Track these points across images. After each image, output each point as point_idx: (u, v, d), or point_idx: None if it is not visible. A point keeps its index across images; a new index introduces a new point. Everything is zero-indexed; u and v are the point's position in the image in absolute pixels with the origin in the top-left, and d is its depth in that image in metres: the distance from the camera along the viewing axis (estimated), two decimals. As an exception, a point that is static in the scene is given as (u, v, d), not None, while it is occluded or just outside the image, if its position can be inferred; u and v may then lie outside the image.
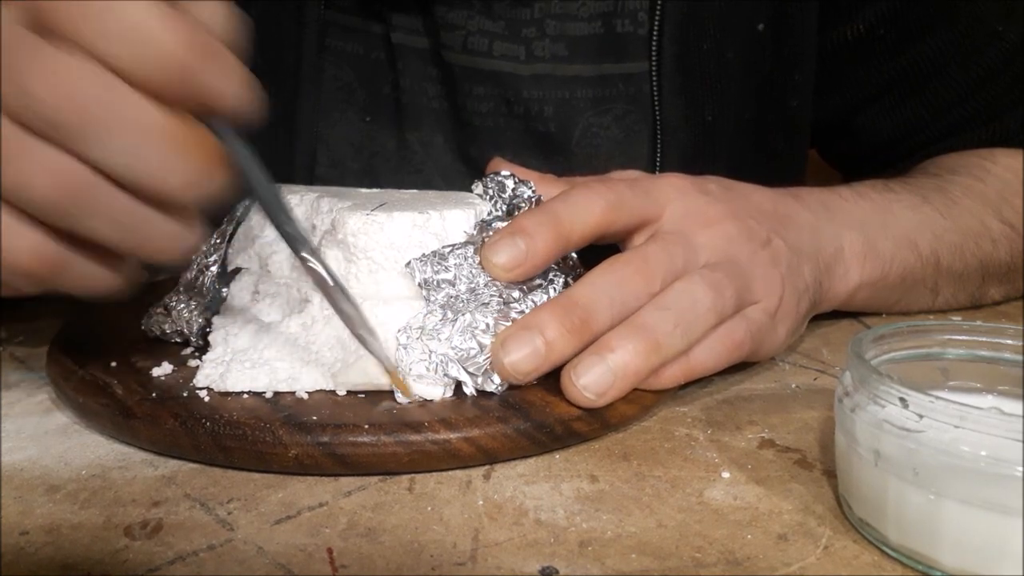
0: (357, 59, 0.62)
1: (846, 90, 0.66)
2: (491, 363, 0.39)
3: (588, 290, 0.40)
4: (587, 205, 0.42)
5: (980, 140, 0.63)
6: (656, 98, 0.60)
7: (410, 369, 0.39)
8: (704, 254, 0.43)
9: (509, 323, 0.40)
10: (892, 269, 0.53)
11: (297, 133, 0.61)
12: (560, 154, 0.61)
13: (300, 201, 0.46)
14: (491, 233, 0.42)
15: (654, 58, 0.60)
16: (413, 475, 0.36)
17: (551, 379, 0.40)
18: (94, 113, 0.29)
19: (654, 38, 0.59)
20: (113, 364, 0.42)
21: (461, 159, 0.63)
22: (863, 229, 0.52)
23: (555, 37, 0.60)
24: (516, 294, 0.41)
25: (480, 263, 0.41)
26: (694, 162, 0.61)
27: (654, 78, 0.60)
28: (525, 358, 0.39)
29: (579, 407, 0.38)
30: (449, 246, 0.41)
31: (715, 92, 0.61)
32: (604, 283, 0.41)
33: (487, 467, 0.37)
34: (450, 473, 0.36)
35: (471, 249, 0.41)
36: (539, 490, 0.35)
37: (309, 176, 0.63)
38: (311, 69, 0.61)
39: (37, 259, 0.32)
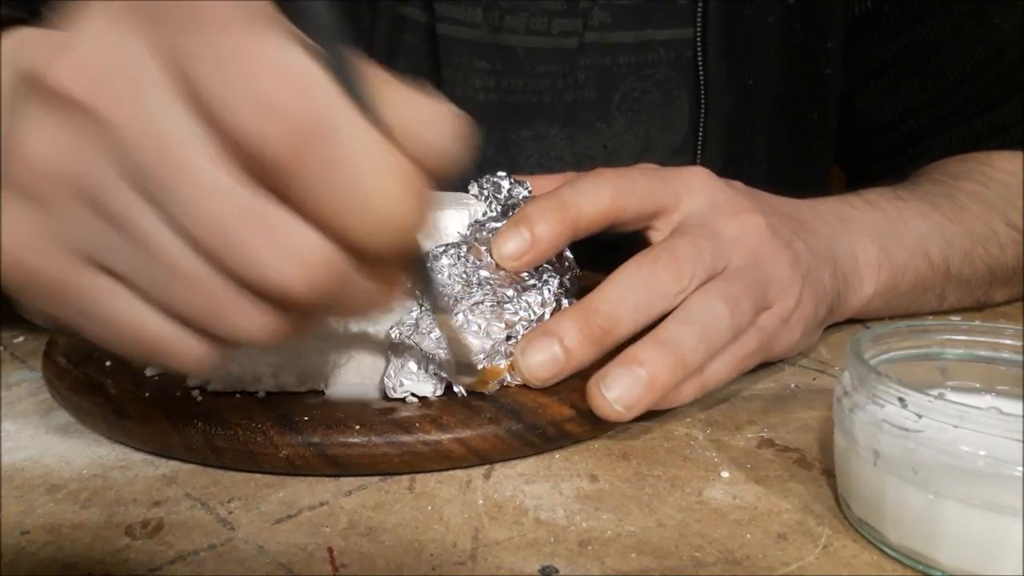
0: (404, 52, 0.63)
1: (850, 68, 0.67)
2: (513, 365, 0.39)
3: (612, 292, 0.39)
4: (595, 190, 0.41)
5: (976, 132, 0.64)
6: (700, 63, 0.62)
7: (401, 366, 0.39)
8: (732, 249, 0.42)
9: (502, 324, 0.40)
10: (904, 278, 0.53)
11: None
12: (602, 120, 0.63)
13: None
14: (484, 233, 0.42)
15: (699, 23, 0.61)
16: (413, 475, 0.36)
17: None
18: (326, 291, 0.25)
19: (699, 4, 0.61)
20: (108, 363, 0.42)
21: (501, 150, 0.64)
22: (876, 238, 0.52)
23: (603, 5, 0.61)
24: (510, 293, 0.41)
25: (476, 261, 0.41)
26: (736, 126, 0.63)
27: (699, 43, 0.62)
28: (543, 364, 0.38)
29: (602, 414, 0.37)
30: (443, 246, 0.41)
31: (756, 57, 0.63)
32: (630, 283, 0.40)
33: (487, 467, 0.37)
34: (450, 473, 0.36)
35: (465, 248, 0.41)
36: (539, 489, 0.35)
37: None
38: (380, 60, 0.62)
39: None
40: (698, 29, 0.62)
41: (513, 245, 0.40)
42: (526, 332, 0.40)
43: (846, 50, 0.66)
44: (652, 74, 0.63)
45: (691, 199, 0.44)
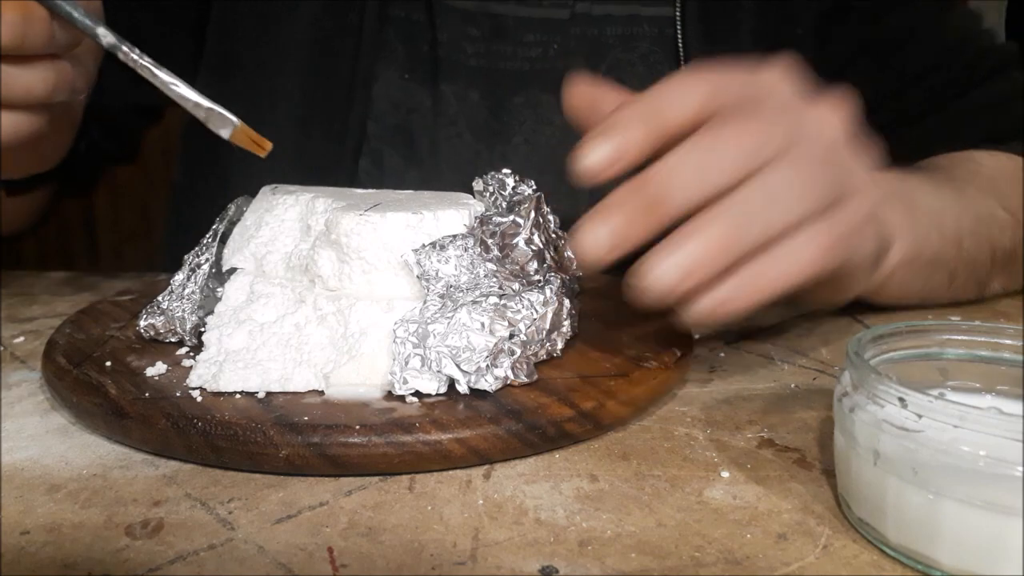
0: (399, 21, 0.66)
1: (825, 58, 0.69)
2: (570, 249, 0.38)
3: (669, 161, 0.35)
4: (685, 90, 0.37)
5: (937, 126, 0.66)
6: (681, 41, 0.65)
7: (407, 363, 0.39)
8: (810, 133, 0.38)
9: (505, 322, 0.40)
10: (925, 248, 0.52)
11: (355, 93, 0.66)
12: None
13: (296, 201, 0.47)
14: (491, 227, 0.42)
15: (679, 4, 0.65)
16: (413, 475, 0.36)
17: (543, 380, 0.40)
18: None
19: None
20: (108, 364, 0.42)
21: (494, 116, 0.66)
22: (899, 201, 0.51)
23: None
24: (516, 287, 0.41)
25: (483, 254, 0.41)
26: None
27: (679, 23, 0.65)
28: (596, 241, 0.35)
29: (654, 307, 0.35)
30: (450, 236, 0.41)
31: (732, 40, 0.66)
32: (690, 153, 0.35)
33: (487, 467, 0.37)
34: (450, 472, 0.36)
35: (471, 240, 0.41)
36: (539, 489, 0.35)
37: (361, 133, 0.66)
38: (372, 33, 0.65)
39: None
40: (678, 9, 0.65)
41: (601, 153, 0.36)
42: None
43: (822, 40, 0.69)
44: (637, 47, 0.66)
45: (781, 87, 0.40)
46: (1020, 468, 0.27)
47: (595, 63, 0.66)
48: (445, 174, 0.67)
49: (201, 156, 0.75)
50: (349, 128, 0.66)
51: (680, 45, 0.65)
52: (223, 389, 0.39)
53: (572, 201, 0.65)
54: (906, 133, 0.65)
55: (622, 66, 0.66)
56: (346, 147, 0.66)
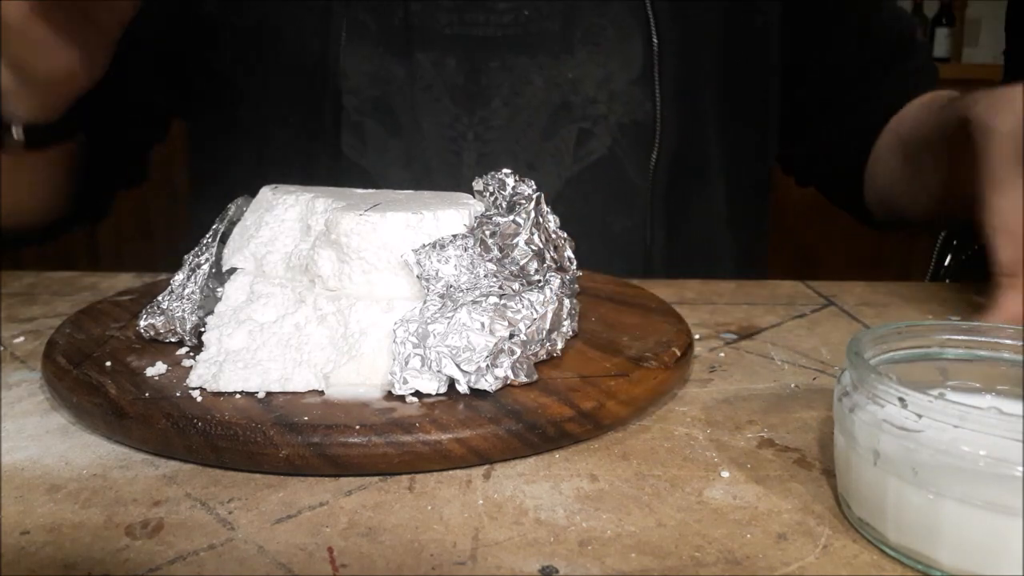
0: None
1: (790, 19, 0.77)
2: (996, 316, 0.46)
3: None
4: None
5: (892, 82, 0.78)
6: (650, 5, 0.69)
7: (407, 363, 0.39)
8: None
9: (505, 322, 0.40)
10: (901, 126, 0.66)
11: (328, 70, 0.68)
12: (566, 52, 0.69)
13: (296, 201, 0.47)
14: (491, 227, 0.42)
15: None
16: (413, 475, 0.36)
17: (543, 380, 0.40)
18: None
19: None
20: (108, 364, 0.42)
21: (471, 80, 0.69)
22: None
23: None
24: (516, 286, 0.41)
25: (483, 254, 0.41)
26: (688, 60, 0.71)
27: None
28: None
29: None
30: (450, 236, 0.41)
31: (700, 5, 0.71)
32: None
33: (487, 467, 0.37)
34: (450, 472, 0.36)
35: (471, 240, 0.41)
36: (539, 489, 0.35)
37: (338, 107, 0.68)
38: (341, 8, 0.68)
39: None
40: None
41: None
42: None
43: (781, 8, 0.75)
44: (608, 11, 0.69)
45: None
46: (1020, 468, 0.27)
47: (569, 28, 0.68)
48: (427, 140, 0.69)
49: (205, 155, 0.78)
50: (326, 104, 0.68)
51: (650, 10, 0.69)
52: (223, 389, 0.39)
53: (555, 159, 0.68)
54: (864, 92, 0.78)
55: (595, 30, 0.69)
56: (325, 123, 0.68)
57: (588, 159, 0.69)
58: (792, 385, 0.46)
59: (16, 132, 0.60)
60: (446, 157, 0.69)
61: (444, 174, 0.68)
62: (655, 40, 0.69)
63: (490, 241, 0.42)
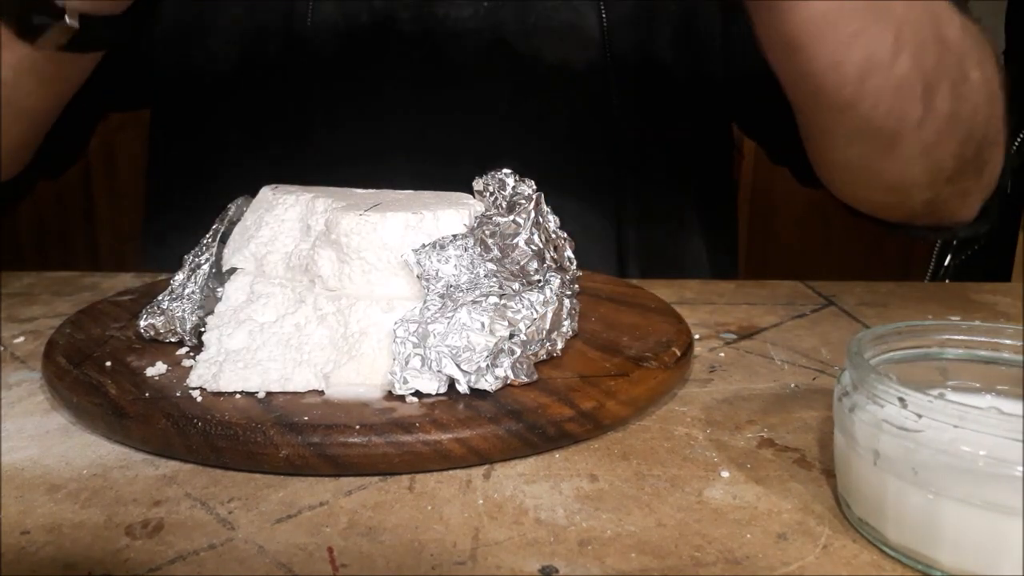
0: None
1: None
2: None
3: None
4: None
5: None
6: None
7: (407, 363, 0.39)
8: None
9: (505, 322, 0.40)
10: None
11: (292, 63, 0.70)
12: (522, 36, 0.70)
13: (296, 201, 0.47)
14: (491, 227, 0.42)
15: None
16: (413, 474, 0.36)
17: (543, 380, 0.40)
18: None
19: None
20: (108, 364, 0.42)
21: (437, 67, 0.70)
22: None
23: None
24: (516, 286, 0.41)
25: (483, 253, 0.41)
26: (637, 31, 0.71)
27: None
28: None
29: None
30: (450, 236, 0.41)
31: None
32: None
33: (487, 466, 0.37)
34: (450, 472, 0.36)
35: (471, 240, 0.41)
36: (539, 489, 0.35)
37: (307, 99, 0.70)
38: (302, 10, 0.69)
39: None
40: None
41: None
42: None
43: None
44: None
45: None
46: (1020, 468, 0.27)
47: (526, 13, 0.70)
48: (390, 128, 0.70)
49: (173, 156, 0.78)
50: (293, 99, 0.69)
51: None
52: (223, 389, 0.39)
53: (521, 143, 0.69)
54: None
55: (549, 14, 0.70)
56: (290, 122, 0.70)
57: (551, 141, 0.71)
58: (792, 385, 0.46)
59: (70, 20, 0.53)
60: (410, 145, 0.70)
61: (407, 163, 0.69)
62: (603, 13, 0.70)
63: (490, 241, 0.42)
